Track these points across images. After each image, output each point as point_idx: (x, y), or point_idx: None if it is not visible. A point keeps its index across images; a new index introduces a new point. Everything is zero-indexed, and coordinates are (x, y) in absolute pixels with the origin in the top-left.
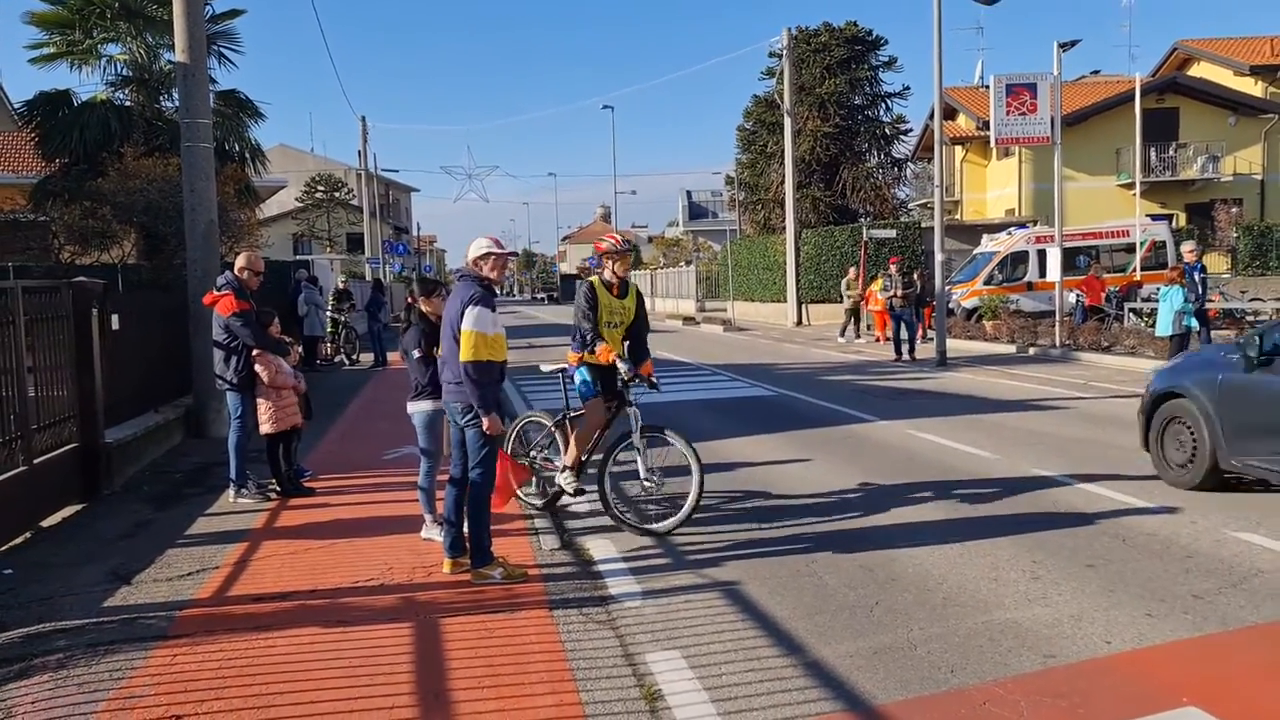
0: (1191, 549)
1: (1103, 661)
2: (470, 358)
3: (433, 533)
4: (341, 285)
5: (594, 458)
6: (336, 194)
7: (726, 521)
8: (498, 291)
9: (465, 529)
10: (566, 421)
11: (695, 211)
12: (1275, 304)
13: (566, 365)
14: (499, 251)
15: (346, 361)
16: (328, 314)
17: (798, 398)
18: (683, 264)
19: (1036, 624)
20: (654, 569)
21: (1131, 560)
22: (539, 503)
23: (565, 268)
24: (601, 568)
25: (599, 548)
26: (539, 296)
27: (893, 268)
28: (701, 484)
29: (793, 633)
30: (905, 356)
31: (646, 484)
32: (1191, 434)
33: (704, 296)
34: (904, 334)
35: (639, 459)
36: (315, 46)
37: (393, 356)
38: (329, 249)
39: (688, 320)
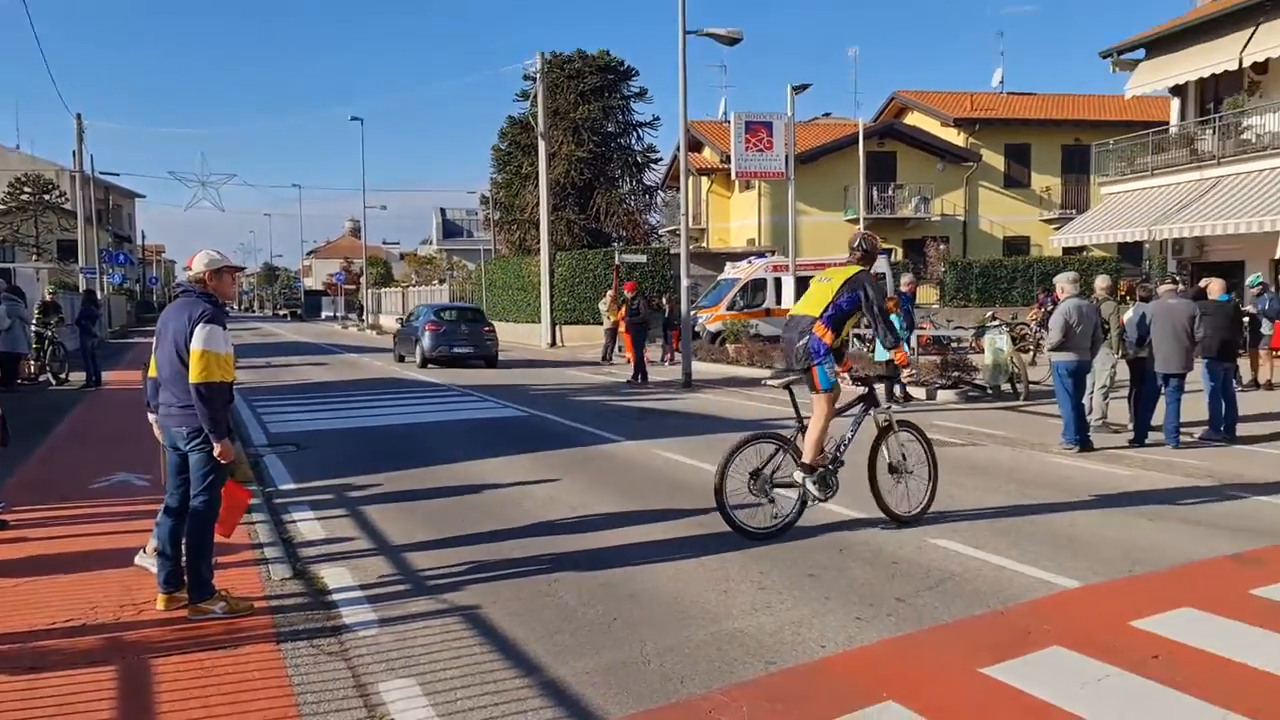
0: (898, 555)
1: (817, 664)
2: (202, 379)
3: (148, 561)
4: (49, 297)
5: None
6: (47, 196)
7: (471, 544)
8: (230, 308)
9: (184, 561)
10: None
11: (450, 230)
12: (975, 330)
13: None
14: (231, 265)
15: (54, 381)
16: (32, 328)
17: (549, 418)
18: (436, 282)
19: (761, 632)
20: (392, 596)
21: (847, 568)
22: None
23: (310, 283)
24: (336, 597)
25: (334, 576)
26: (281, 313)
27: (627, 293)
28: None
29: (531, 654)
30: (637, 380)
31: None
32: None
33: None
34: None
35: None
36: (21, 35)
37: (111, 375)
38: (36, 257)
39: None
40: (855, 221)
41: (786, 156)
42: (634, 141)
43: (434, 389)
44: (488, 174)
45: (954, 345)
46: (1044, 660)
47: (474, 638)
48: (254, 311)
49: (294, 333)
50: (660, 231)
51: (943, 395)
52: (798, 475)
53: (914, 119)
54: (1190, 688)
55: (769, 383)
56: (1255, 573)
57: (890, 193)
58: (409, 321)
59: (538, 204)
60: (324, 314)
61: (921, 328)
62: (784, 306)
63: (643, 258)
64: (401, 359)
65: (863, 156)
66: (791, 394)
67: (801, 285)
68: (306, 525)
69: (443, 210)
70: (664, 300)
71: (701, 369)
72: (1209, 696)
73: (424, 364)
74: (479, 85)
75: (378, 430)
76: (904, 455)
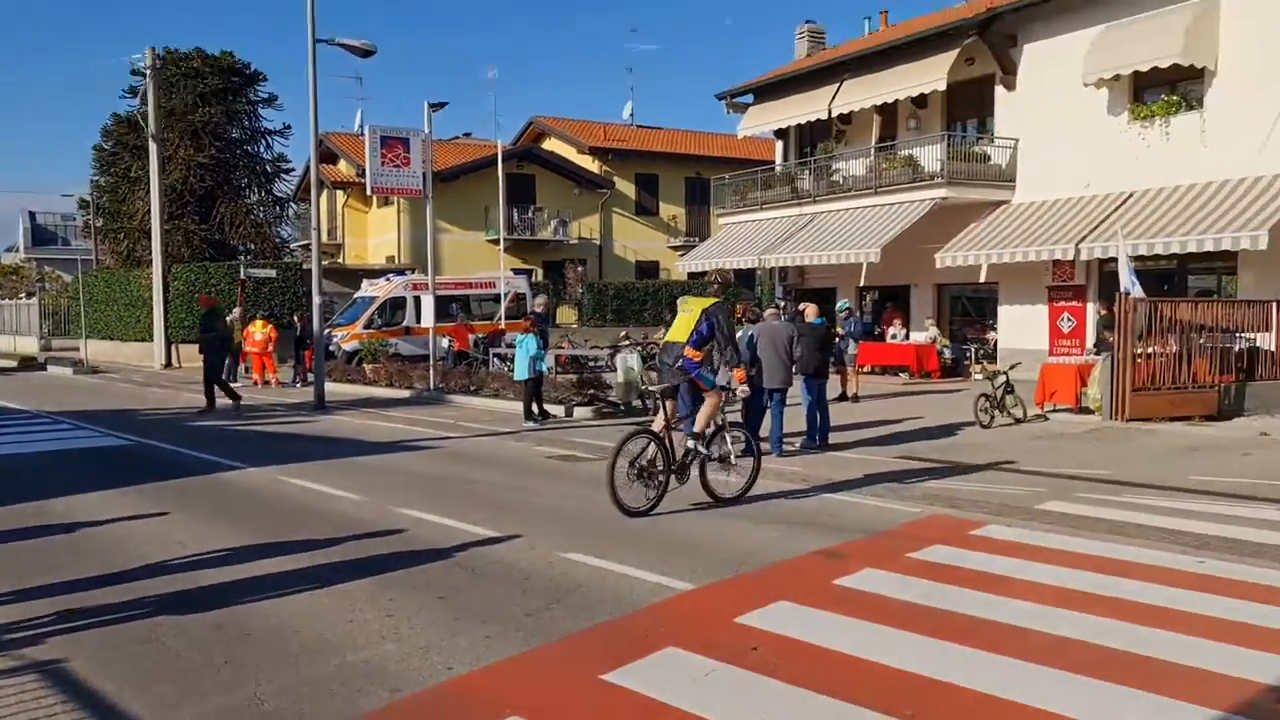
0: (529, 571)
1: (443, 687)
2: None
3: None
4: None
5: None
6: None
7: (58, 592)
8: None
9: None
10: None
11: (41, 236)
12: (610, 350)
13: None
14: None
15: None
16: None
17: (161, 447)
18: (24, 295)
19: (387, 660)
20: None
21: (478, 588)
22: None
23: None
24: None
25: None
26: None
27: (202, 306)
28: None
29: (126, 708)
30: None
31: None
32: None
33: (51, 334)
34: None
35: None
36: None
37: None
38: None
39: (28, 362)
40: (496, 242)
41: (424, 174)
42: (263, 150)
43: (17, 416)
44: (88, 175)
45: (591, 364)
46: (660, 661)
47: (55, 697)
48: None
49: None
50: (293, 246)
51: (579, 412)
52: (690, 443)
53: (552, 144)
54: (780, 673)
55: (652, 388)
56: (839, 565)
57: (530, 215)
58: None
59: (149, 211)
60: None
61: (560, 347)
62: (424, 325)
63: (272, 272)
64: None
65: (502, 178)
66: (664, 403)
67: (443, 304)
68: None
69: (32, 214)
70: (295, 318)
71: (337, 390)
72: (795, 680)
73: None
74: (80, 75)
75: None
76: (729, 448)
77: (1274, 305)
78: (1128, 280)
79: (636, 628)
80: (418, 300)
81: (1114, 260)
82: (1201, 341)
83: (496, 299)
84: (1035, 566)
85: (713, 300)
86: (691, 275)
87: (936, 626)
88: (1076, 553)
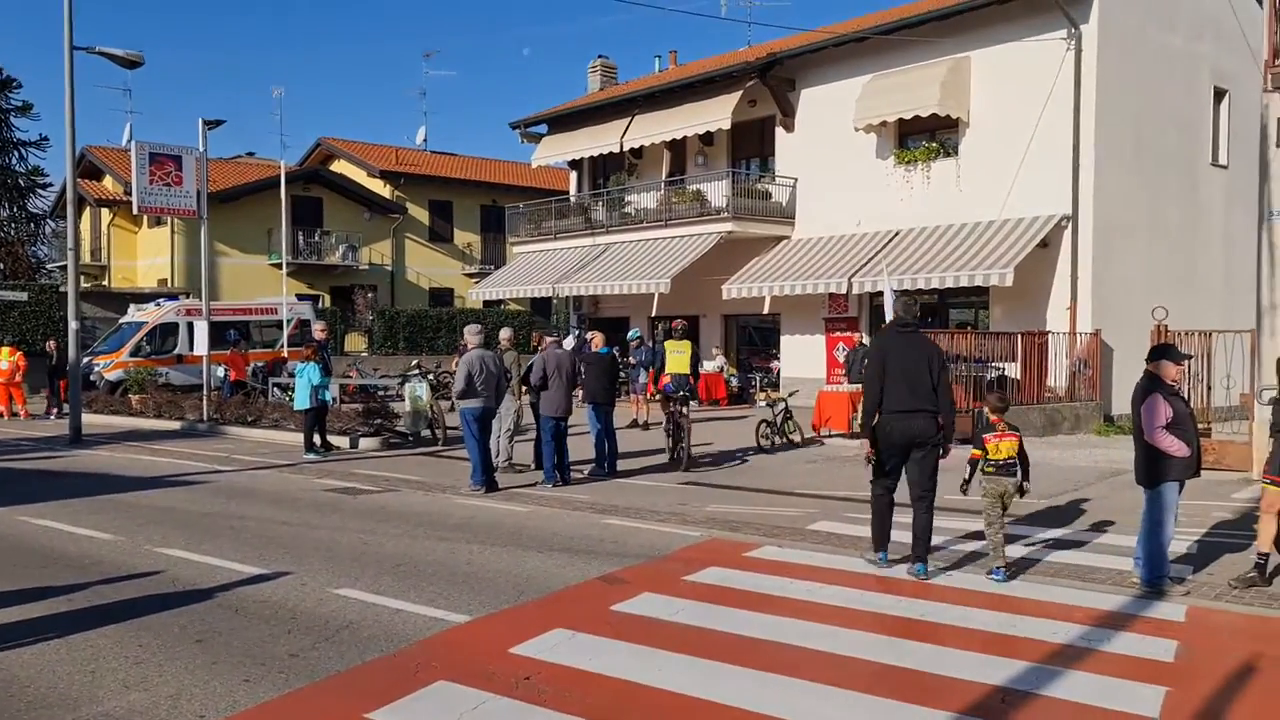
0: (297, 610)
1: None
2: None
3: None
4: None
5: None
6: None
7: None
8: None
9: None
10: None
11: None
12: (399, 378)
13: None
14: None
15: None
16: None
17: None
18: None
19: (131, 712)
20: None
21: (241, 629)
22: None
23: None
24: None
25: None
26: None
27: None
28: None
29: None
30: None
31: None
32: None
33: None
34: None
35: None
36: None
37: None
38: None
39: None
40: (279, 266)
41: (199, 193)
42: (15, 162)
43: None
44: None
45: (379, 393)
46: (429, 696)
47: None
48: None
49: None
50: (50, 266)
51: (366, 443)
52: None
53: (342, 167)
54: (550, 701)
55: (657, 397)
56: (618, 590)
57: (317, 239)
58: None
59: None
60: None
61: (347, 376)
62: (198, 352)
63: (22, 295)
64: None
65: (285, 199)
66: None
67: (219, 331)
68: None
69: None
70: (50, 345)
71: (97, 422)
72: (564, 707)
73: None
74: None
75: None
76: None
77: (1019, 337)
78: (893, 313)
79: (408, 663)
80: (191, 326)
81: (882, 294)
82: (959, 370)
83: (279, 325)
84: (803, 584)
85: (690, 343)
86: (486, 303)
87: (708, 647)
88: (841, 570)
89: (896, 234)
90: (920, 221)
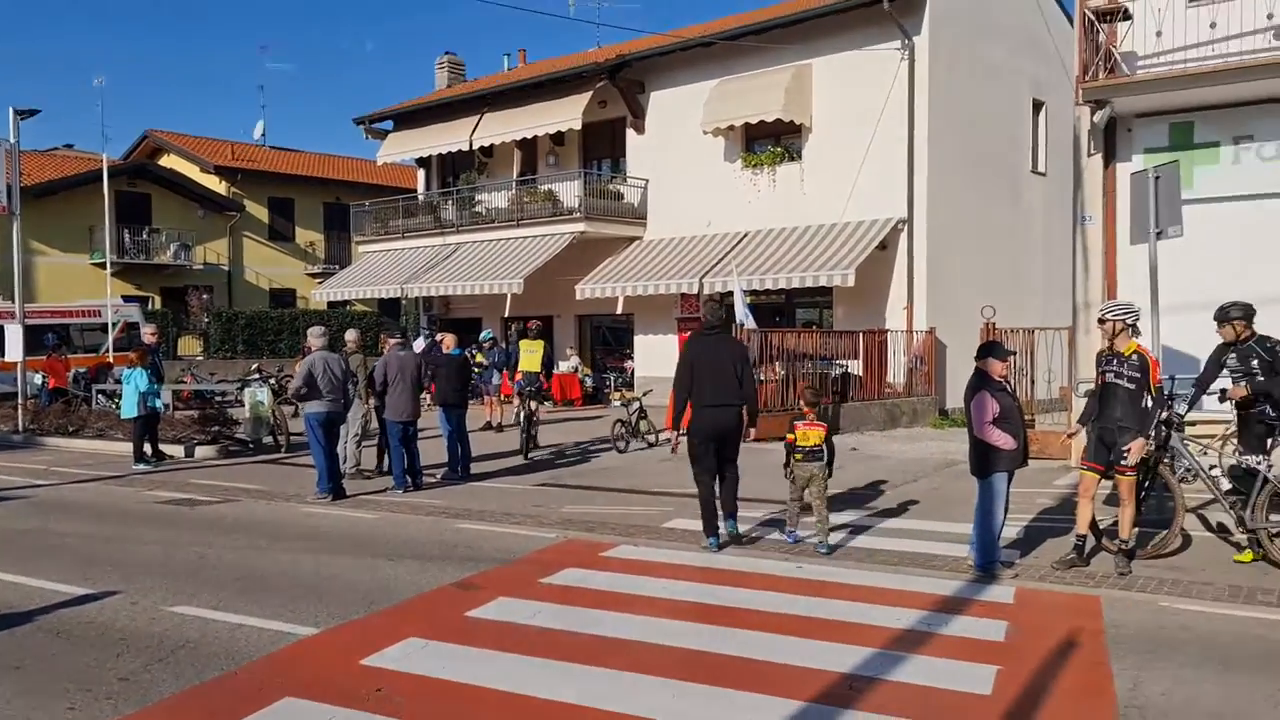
0: (127, 631)
1: None
2: None
3: None
4: None
5: None
6: None
7: None
8: None
9: None
10: None
11: None
12: (238, 383)
13: None
14: None
15: None
16: None
17: None
18: None
19: None
20: None
21: (65, 654)
22: None
23: None
24: None
25: None
26: None
27: None
28: None
29: None
30: None
31: None
32: None
33: None
34: None
35: None
36: None
37: None
38: None
39: None
40: (103, 265)
41: (11, 187)
42: None
43: None
44: None
45: (217, 399)
46: (275, 714)
47: None
48: None
49: None
50: None
51: (202, 451)
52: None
53: (173, 162)
54: (403, 713)
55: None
56: (472, 596)
57: (146, 237)
58: None
59: None
60: None
61: (181, 381)
62: (10, 359)
63: None
64: None
65: (109, 195)
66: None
67: (33, 333)
68: None
69: None
70: None
71: None
72: (415, 717)
73: None
74: None
75: None
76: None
77: (860, 335)
78: (742, 313)
79: (251, 681)
80: (2, 330)
81: (732, 294)
82: (806, 368)
83: (104, 329)
84: (658, 582)
85: (542, 341)
86: (332, 304)
87: (563, 649)
88: (695, 566)
89: (745, 235)
90: (767, 223)
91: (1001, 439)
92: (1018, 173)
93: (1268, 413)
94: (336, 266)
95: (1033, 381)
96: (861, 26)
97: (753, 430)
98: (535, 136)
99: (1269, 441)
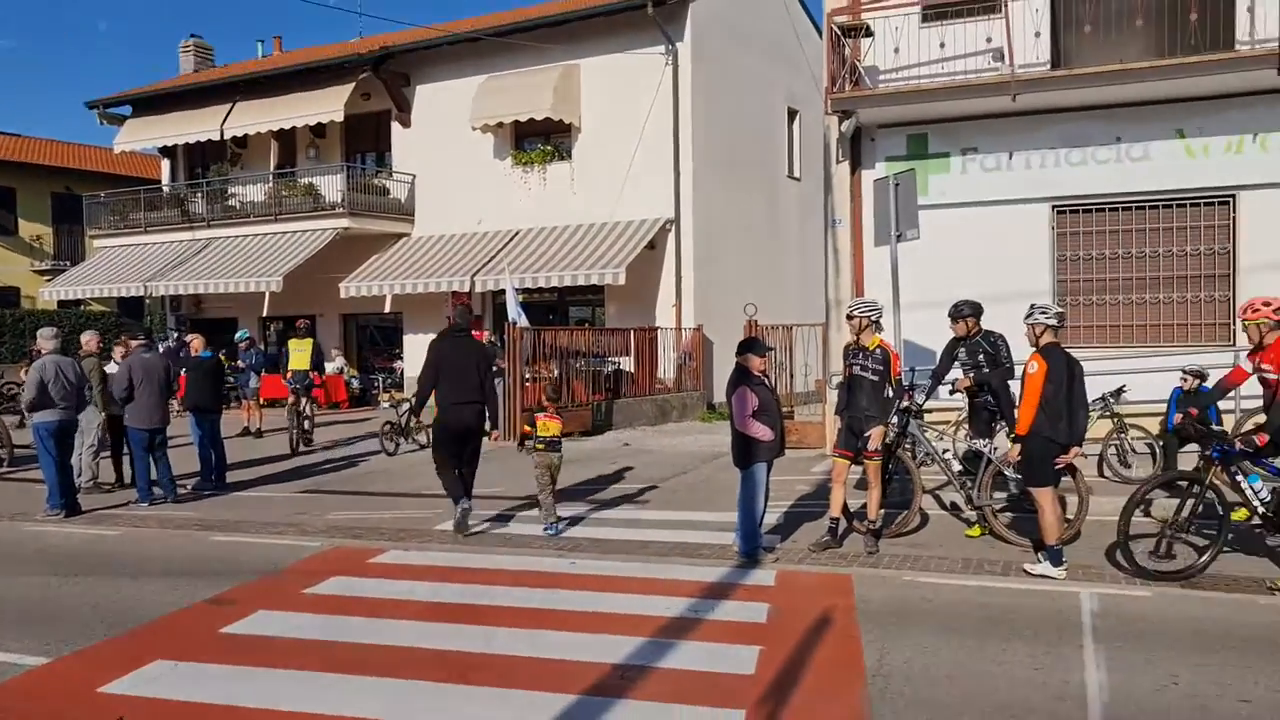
0: None
1: None
2: None
3: None
4: None
5: None
6: None
7: None
8: None
9: None
10: None
11: None
12: None
13: None
14: None
15: None
16: None
17: None
18: None
19: None
20: None
21: None
22: None
23: None
24: None
25: None
26: None
27: None
28: None
29: None
30: None
31: None
32: None
33: None
34: None
35: None
36: None
37: None
38: None
39: None
40: None
41: None
42: None
43: None
44: None
45: None
46: None
47: None
48: None
49: None
50: None
51: None
52: None
53: None
54: None
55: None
56: (227, 612)
57: None
58: None
59: None
60: None
61: None
62: None
63: None
64: None
65: None
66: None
67: None
68: None
69: None
70: None
71: None
72: None
73: None
74: None
75: None
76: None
77: (632, 333)
78: (514, 311)
79: None
80: None
81: (504, 292)
82: (579, 365)
83: None
84: (429, 586)
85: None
86: (63, 304)
87: (326, 660)
88: (467, 568)
89: (517, 233)
90: (539, 222)
91: (761, 431)
92: (775, 177)
93: (989, 401)
94: (68, 263)
95: (792, 375)
96: (627, 30)
97: (495, 432)
98: (294, 128)
99: (993, 427)
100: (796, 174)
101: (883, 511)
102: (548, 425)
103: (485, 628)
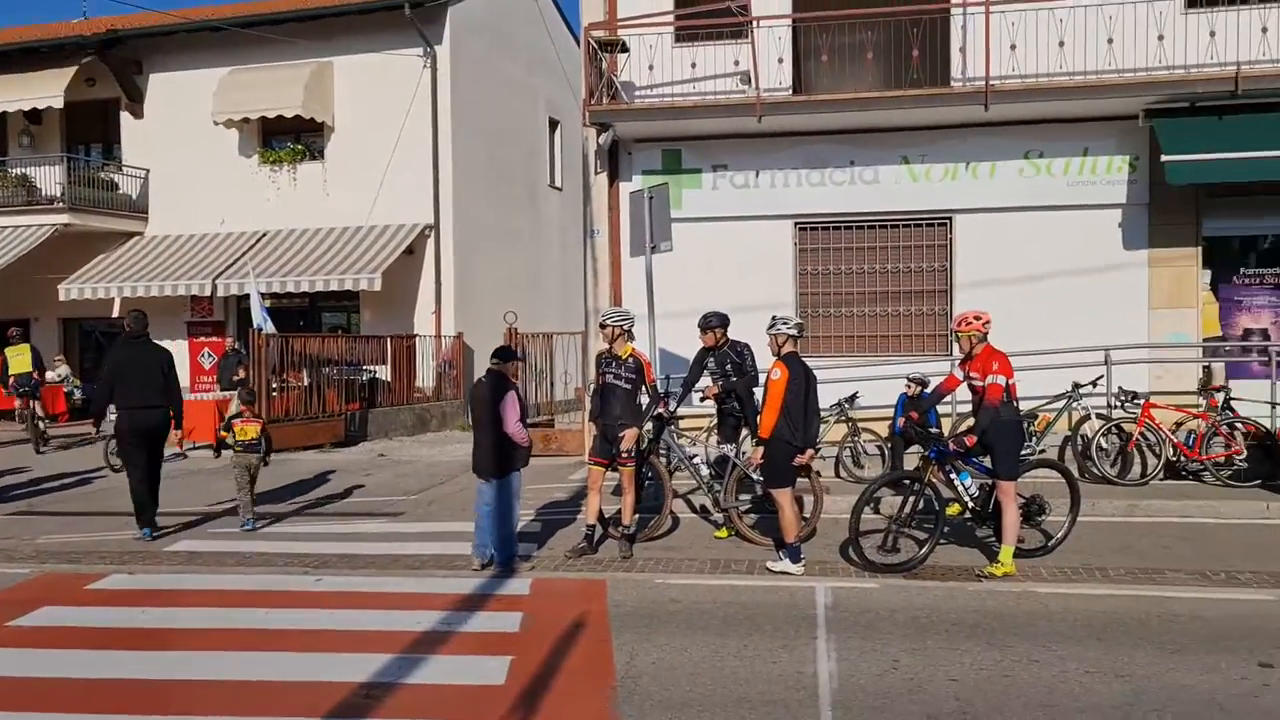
0: None
1: None
2: None
3: None
4: None
5: None
6: None
7: None
8: None
9: None
10: None
11: None
12: None
13: None
14: None
15: None
16: None
17: None
18: None
19: None
20: None
21: None
22: None
23: None
24: None
25: None
26: None
27: None
28: None
29: None
30: None
31: None
32: None
33: None
34: None
35: None
36: None
37: None
38: None
39: None
40: None
41: None
42: None
43: None
44: None
45: None
46: None
47: None
48: None
49: None
50: None
51: None
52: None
53: None
54: None
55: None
56: None
57: None
58: None
59: None
60: None
61: None
62: None
63: None
64: None
65: None
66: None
67: None
68: None
69: None
70: None
71: None
72: None
73: None
74: None
75: None
76: None
77: (389, 340)
78: (260, 317)
79: None
80: None
81: (249, 297)
82: (331, 374)
83: None
84: (159, 611)
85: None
86: None
87: (30, 699)
88: (203, 590)
89: (264, 235)
90: (289, 223)
91: (526, 436)
92: (537, 186)
93: (735, 408)
94: None
95: (552, 383)
96: (384, 30)
97: (178, 432)
98: (5, 112)
99: (739, 432)
100: (558, 184)
101: (637, 516)
102: (245, 429)
103: (218, 653)
